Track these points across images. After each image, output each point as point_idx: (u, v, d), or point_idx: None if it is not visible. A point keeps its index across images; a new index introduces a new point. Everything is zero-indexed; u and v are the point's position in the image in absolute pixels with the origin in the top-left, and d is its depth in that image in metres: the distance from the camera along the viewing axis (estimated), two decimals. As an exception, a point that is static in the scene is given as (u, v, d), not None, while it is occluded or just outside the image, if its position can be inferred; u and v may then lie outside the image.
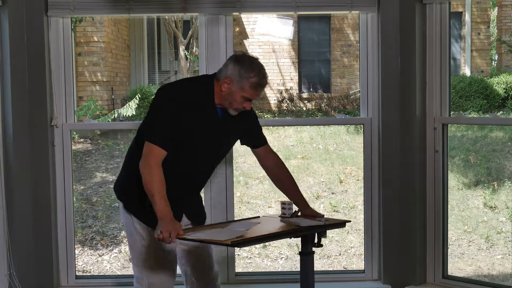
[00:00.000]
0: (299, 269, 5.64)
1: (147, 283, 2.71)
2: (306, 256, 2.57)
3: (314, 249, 2.59)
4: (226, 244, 2.30)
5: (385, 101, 3.54)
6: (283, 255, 5.40)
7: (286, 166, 2.91)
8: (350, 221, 3.01)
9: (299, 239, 2.57)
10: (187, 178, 2.69)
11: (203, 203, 2.95)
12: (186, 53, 11.05)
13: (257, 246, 5.47)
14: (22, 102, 3.48)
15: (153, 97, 2.64)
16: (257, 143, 2.85)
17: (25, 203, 3.52)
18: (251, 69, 2.55)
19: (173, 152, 2.58)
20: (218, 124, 2.65)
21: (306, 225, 2.52)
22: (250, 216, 4.52)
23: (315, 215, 2.71)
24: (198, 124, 2.60)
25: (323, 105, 12.38)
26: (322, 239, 2.59)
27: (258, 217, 2.90)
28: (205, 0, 3.50)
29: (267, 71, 2.65)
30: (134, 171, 2.59)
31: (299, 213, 2.74)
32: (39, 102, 3.50)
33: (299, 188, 2.87)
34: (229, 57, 2.65)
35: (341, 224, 2.76)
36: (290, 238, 2.62)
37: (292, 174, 2.91)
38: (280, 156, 2.92)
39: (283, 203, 2.72)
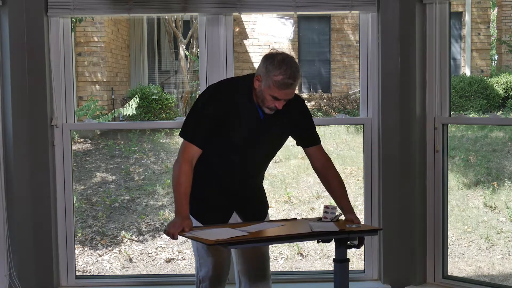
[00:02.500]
0: (298, 269, 5.64)
1: (206, 269, 2.72)
2: (339, 263, 2.53)
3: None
4: (209, 244, 2.31)
5: (385, 101, 3.54)
6: (283, 255, 5.40)
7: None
8: (381, 229, 2.97)
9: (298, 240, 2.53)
10: (234, 176, 2.69)
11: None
12: (186, 53, 11.05)
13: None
14: (22, 102, 3.48)
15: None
16: (308, 142, 2.80)
17: (25, 203, 3.52)
18: (278, 67, 2.51)
19: (216, 150, 2.63)
20: (259, 123, 2.64)
21: (317, 230, 2.48)
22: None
23: (353, 221, 2.65)
24: (238, 123, 2.61)
25: (323, 105, 12.38)
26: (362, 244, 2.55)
27: (295, 219, 2.91)
28: (205, 0, 3.50)
29: None
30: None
31: (342, 217, 2.70)
32: (39, 102, 3.50)
33: (347, 194, 2.80)
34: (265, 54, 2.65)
35: (371, 231, 2.71)
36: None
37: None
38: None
39: (326, 207, 2.69)
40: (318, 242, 2.58)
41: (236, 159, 2.66)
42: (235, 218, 2.75)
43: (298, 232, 2.52)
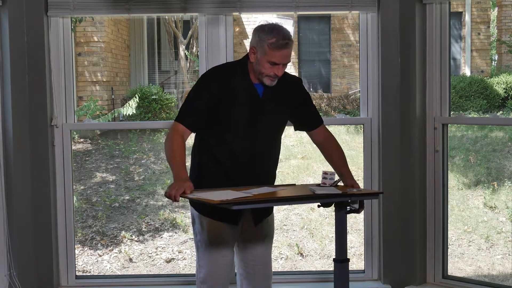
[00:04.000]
0: (298, 269, 5.62)
1: (206, 270, 2.72)
2: (339, 263, 2.51)
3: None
4: (215, 204, 2.25)
5: (385, 101, 3.54)
6: (283, 255, 5.40)
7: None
8: (382, 192, 2.93)
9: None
10: (239, 167, 2.65)
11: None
12: (186, 53, 11.06)
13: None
14: (22, 102, 3.48)
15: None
16: (310, 125, 2.81)
17: (25, 203, 3.52)
18: (270, 32, 2.55)
19: (217, 137, 2.62)
20: (258, 102, 2.64)
21: (321, 193, 2.46)
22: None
23: (353, 186, 2.65)
24: (236, 104, 2.61)
25: (323, 105, 12.38)
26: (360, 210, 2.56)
27: (294, 184, 2.88)
28: (205, 0, 3.50)
29: None
30: (196, 163, 2.71)
31: (340, 183, 2.68)
32: (39, 102, 3.50)
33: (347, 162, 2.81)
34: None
35: (372, 195, 2.70)
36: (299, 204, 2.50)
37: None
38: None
39: (325, 172, 2.67)
40: (319, 206, 2.54)
41: (238, 145, 2.62)
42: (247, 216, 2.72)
43: (301, 194, 2.50)
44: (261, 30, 2.58)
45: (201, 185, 2.64)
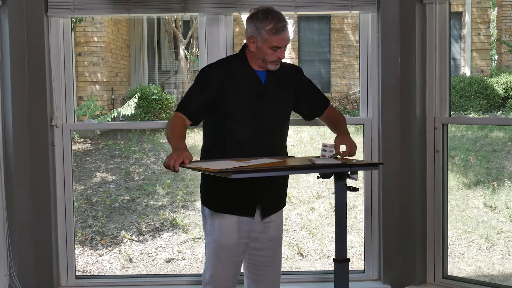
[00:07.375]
0: (298, 269, 5.62)
1: (211, 271, 2.73)
2: (339, 263, 2.50)
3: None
4: (213, 173, 2.22)
5: (385, 101, 3.54)
6: (283, 255, 5.40)
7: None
8: (382, 163, 2.97)
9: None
10: (249, 148, 2.64)
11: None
12: (186, 53, 11.06)
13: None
14: (22, 102, 3.48)
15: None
16: (320, 109, 2.86)
17: (25, 203, 3.52)
18: (266, 18, 2.56)
19: (223, 128, 2.63)
20: (261, 89, 2.65)
21: (320, 163, 2.43)
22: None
23: (344, 142, 2.62)
24: (238, 93, 2.62)
25: (323, 105, 12.38)
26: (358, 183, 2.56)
27: (293, 156, 2.89)
28: (205, 0, 3.50)
29: None
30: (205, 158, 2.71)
31: (339, 156, 2.64)
32: (39, 102, 3.50)
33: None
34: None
35: (372, 165, 2.70)
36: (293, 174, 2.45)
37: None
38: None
39: (324, 145, 2.65)
40: (318, 178, 2.51)
41: (243, 130, 2.62)
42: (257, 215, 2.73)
43: (300, 164, 2.49)
44: (255, 18, 2.59)
45: (209, 184, 2.66)
